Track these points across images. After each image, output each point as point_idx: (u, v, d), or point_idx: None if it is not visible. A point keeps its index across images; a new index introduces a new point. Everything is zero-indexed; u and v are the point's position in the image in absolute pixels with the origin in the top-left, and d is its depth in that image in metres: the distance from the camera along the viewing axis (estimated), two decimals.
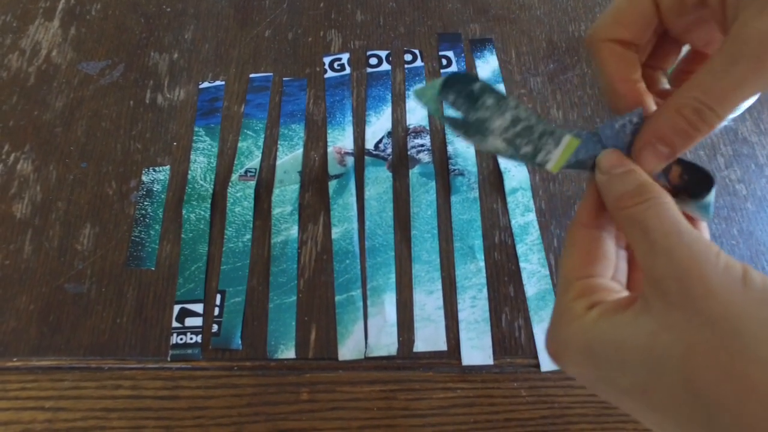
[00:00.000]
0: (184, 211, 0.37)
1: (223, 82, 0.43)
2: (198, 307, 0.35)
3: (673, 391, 0.16)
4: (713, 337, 0.15)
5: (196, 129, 0.41)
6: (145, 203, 0.38)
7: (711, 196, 0.20)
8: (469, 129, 0.24)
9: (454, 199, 0.38)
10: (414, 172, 0.39)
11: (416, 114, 0.41)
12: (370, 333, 0.34)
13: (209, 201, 0.38)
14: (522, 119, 0.23)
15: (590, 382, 0.19)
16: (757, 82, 0.18)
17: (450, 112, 0.24)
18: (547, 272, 0.36)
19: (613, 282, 0.21)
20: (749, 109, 0.41)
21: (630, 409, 0.18)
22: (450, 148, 0.40)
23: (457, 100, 0.23)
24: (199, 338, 0.34)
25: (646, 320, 0.17)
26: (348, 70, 0.44)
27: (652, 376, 0.16)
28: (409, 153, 0.40)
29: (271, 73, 0.43)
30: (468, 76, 0.23)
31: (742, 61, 0.18)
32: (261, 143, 0.40)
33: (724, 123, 0.41)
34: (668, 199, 0.19)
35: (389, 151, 0.40)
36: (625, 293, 0.20)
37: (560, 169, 0.23)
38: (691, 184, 0.21)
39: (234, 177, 0.39)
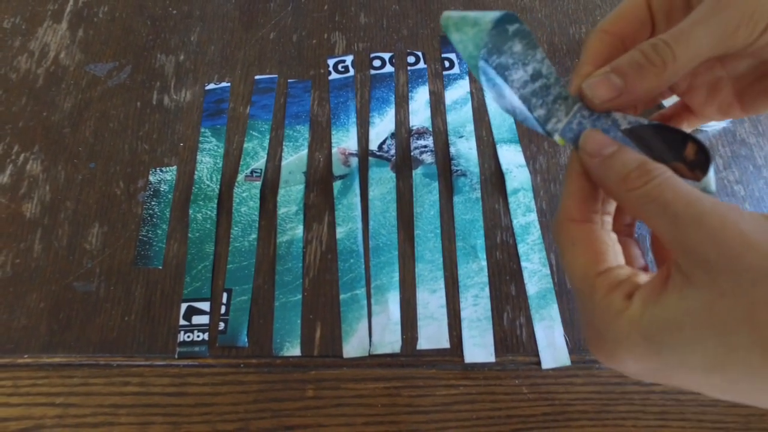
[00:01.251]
0: (190, 211, 0.38)
1: (228, 84, 0.44)
2: (205, 306, 0.35)
3: (750, 355, 0.15)
4: (749, 297, 0.15)
5: (202, 130, 0.42)
6: (153, 203, 0.39)
7: (713, 171, 0.20)
8: (489, 74, 0.22)
9: (456, 199, 0.38)
10: (417, 172, 0.39)
11: (419, 115, 0.42)
12: (374, 331, 0.34)
13: (215, 201, 0.38)
14: (543, 75, 0.22)
15: (652, 372, 0.18)
16: (713, 22, 0.18)
17: (474, 49, 0.22)
18: (548, 271, 0.36)
19: (629, 267, 0.20)
20: None
21: (703, 387, 0.17)
22: (452, 149, 0.40)
23: (485, 35, 0.21)
24: (205, 336, 0.34)
25: (696, 293, 0.16)
26: (352, 72, 0.44)
27: (722, 346, 0.16)
28: (412, 154, 0.40)
29: (276, 75, 0.44)
30: (512, 16, 0.22)
31: (701, 7, 0.19)
32: (266, 144, 0.41)
33: (722, 124, 0.41)
34: (671, 171, 0.18)
35: (393, 152, 0.40)
36: (648, 274, 0.19)
37: (564, 143, 0.22)
38: (703, 159, 0.20)
39: (240, 177, 0.39)
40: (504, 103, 0.23)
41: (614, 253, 0.20)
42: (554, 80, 0.22)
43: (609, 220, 0.22)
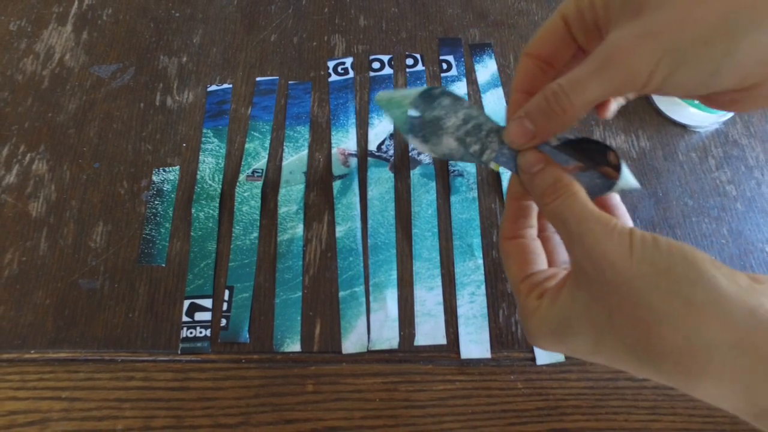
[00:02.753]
0: (193, 210, 0.39)
1: (230, 85, 0.44)
2: (207, 302, 0.36)
3: (614, 347, 0.20)
4: (620, 298, 0.19)
5: (204, 131, 0.42)
6: (156, 202, 0.39)
7: (626, 170, 0.24)
8: (426, 129, 0.26)
9: (453, 199, 0.39)
10: (415, 172, 0.40)
11: None
12: (372, 327, 0.35)
13: (218, 200, 0.39)
14: (473, 117, 0.26)
15: (565, 352, 0.24)
16: (602, 77, 0.21)
17: (410, 114, 0.26)
18: None
19: (550, 269, 0.25)
20: (740, 113, 0.42)
21: (595, 363, 0.22)
22: None
23: (418, 102, 0.26)
24: (208, 332, 0.35)
25: (580, 295, 0.21)
26: (351, 74, 0.45)
27: (596, 339, 0.21)
28: (410, 154, 0.41)
29: (277, 77, 0.45)
30: (434, 87, 0.26)
31: (593, 59, 0.21)
32: (267, 144, 0.42)
33: (715, 125, 0.42)
34: (577, 189, 0.22)
35: (391, 152, 0.41)
36: (561, 273, 0.24)
37: (499, 168, 0.26)
38: (621, 163, 0.24)
39: (241, 177, 0.40)
40: (440, 150, 0.27)
41: (538, 259, 0.25)
42: (484, 119, 0.26)
43: (534, 231, 0.26)
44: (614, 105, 0.27)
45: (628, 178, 0.24)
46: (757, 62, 0.20)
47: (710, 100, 0.23)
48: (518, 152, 0.25)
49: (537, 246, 0.26)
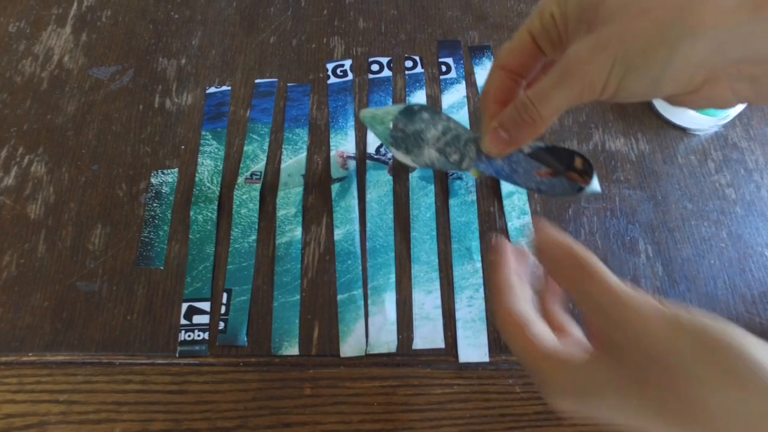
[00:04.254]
0: (191, 213, 0.39)
1: (229, 88, 0.44)
2: (205, 305, 0.36)
3: (640, 408, 0.20)
4: (655, 371, 0.19)
5: (203, 133, 0.42)
6: (154, 205, 0.39)
7: (595, 176, 0.26)
8: (408, 142, 0.29)
9: (452, 202, 0.39)
10: (414, 175, 0.40)
11: None
12: (370, 331, 0.35)
13: (216, 203, 0.39)
14: (451, 129, 0.29)
15: (583, 414, 0.22)
16: (564, 87, 0.23)
17: (392, 129, 0.29)
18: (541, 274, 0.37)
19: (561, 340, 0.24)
20: (739, 116, 0.42)
21: (617, 423, 0.21)
22: None
23: (399, 118, 0.29)
24: (206, 335, 0.35)
25: (608, 360, 0.20)
26: (350, 76, 0.45)
27: (623, 402, 0.20)
28: None
29: (276, 79, 0.45)
30: (411, 104, 0.29)
31: (555, 72, 0.24)
32: (266, 147, 0.42)
33: (714, 128, 0.42)
34: (601, 268, 0.21)
35: (390, 155, 0.41)
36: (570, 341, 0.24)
37: (478, 175, 0.28)
38: (588, 168, 0.26)
39: (240, 180, 0.40)
40: (422, 161, 0.29)
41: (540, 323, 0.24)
42: (462, 130, 0.29)
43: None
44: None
45: (595, 183, 0.26)
46: (695, 67, 0.21)
47: (669, 100, 0.25)
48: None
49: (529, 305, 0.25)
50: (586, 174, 0.26)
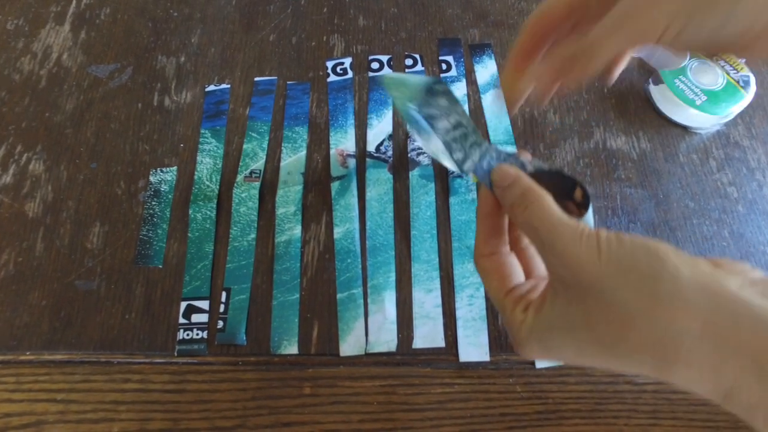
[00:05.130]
0: (190, 211, 0.39)
1: (228, 86, 0.44)
2: (204, 304, 0.36)
3: (592, 345, 0.21)
4: (594, 300, 0.21)
5: (202, 131, 0.42)
6: (153, 203, 0.39)
7: (590, 211, 0.26)
8: (421, 123, 0.28)
9: (452, 200, 0.39)
10: (414, 174, 0.40)
11: None
12: (370, 330, 0.35)
13: (215, 201, 0.39)
14: (462, 125, 0.27)
15: (552, 359, 0.25)
16: (623, 31, 0.24)
17: (409, 105, 0.28)
18: None
19: (529, 281, 0.26)
20: (741, 114, 0.42)
21: (580, 364, 0.24)
22: None
23: (417, 93, 0.27)
24: (204, 334, 0.35)
25: (559, 302, 0.22)
26: (350, 74, 0.45)
27: (577, 341, 0.22)
28: (409, 155, 0.41)
29: (276, 77, 0.45)
30: (439, 81, 0.27)
31: (615, 14, 0.24)
32: (265, 145, 0.41)
33: (716, 126, 0.42)
34: (545, 198, 0.23)
35: (390, 153, 0.41)
36: (542, 285, 0.25)
37: (476, 180, 0.27)
38: (586, 201, 0.26)
39: (239, 178, 0.40)
40: (430, 147, 0.28)
41: (516, 272, 0.26)
42: (471, 130, 0.27)
43: (507, 247, 0.27)
44: (617, 71, 0.30)
45: (589, 217, 0.25)
46: (759, 12, 0.22)
47: (725, 50, 0.25)
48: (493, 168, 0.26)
49: (513, 260, 0.27)
50: (583, 207, 0.26)
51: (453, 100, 0.28)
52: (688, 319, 0.19)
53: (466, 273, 0.37)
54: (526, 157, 0.27)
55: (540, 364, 0.34)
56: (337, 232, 0.38)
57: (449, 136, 0.27)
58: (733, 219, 0.39)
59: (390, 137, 0.42)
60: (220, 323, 0.35)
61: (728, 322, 0.18)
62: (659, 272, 0.19)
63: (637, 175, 0.40)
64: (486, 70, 0.45)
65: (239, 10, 0.48)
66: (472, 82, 0.44)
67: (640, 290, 0.19)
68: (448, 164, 0.28)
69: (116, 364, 0.34)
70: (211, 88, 0.44)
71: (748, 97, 0.41)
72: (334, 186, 0.39)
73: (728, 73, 0.42)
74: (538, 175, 0.26)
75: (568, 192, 0.26)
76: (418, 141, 0.28)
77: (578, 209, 0.26)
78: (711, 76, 0.41)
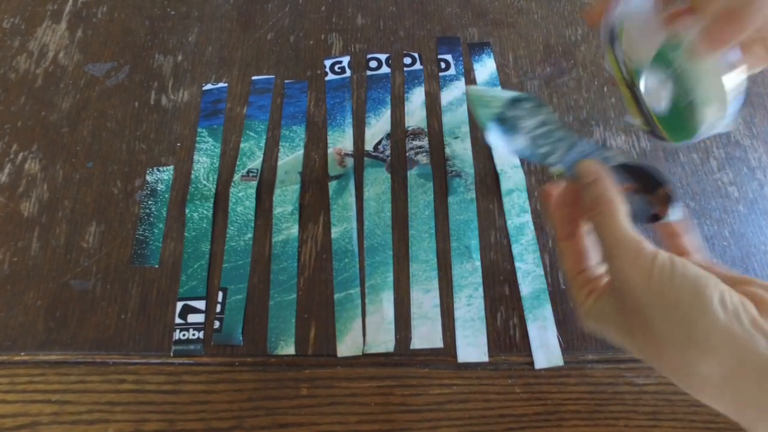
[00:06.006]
0: (187, 210, 0.38)
1: (226, 84, 0.44)
2: (200, 304, 0.35)
3: (635, 348, 0.24)
4: (637, 318, 0.22)
5: (199, 130, 0.42)
6: (150, 202, 0.39)
7: (677, 208, 0.26)
8: (505, 126, 0.29)
9: (451, 199, 0.39)
10: (412, 173, 0.40)
11: (415, 116, 0.42)
12: (368, 330, 0.35)
13: (212, 200, 0.39)
14: (548, 123, 0.29)
15: (607, 339, 0.26)
16: None
17: (493, 111, 0.29)
18: (542, 272, 0.36)
19: (601, 267, 0.28)
20: (742, 113, 0.42)
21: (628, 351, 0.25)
22: (448, 150, 0.41)
23: (504, 102, 0.29)
24: (201, 334, 0.35)
25: (612, 304, 0.25)
26: (348, 73, 0.44)
27: (624, 340, 0.24)
28: (407, 154, 0.40)
29: (273, 76, 0.44)
30: (520, 96, 0.29)
31: None
32: (263, 144, 0.41)
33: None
34: (616, 209, 0.24)
35: (388, 152, 0.41)
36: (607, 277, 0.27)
37: (560, 173, 0.28)
38: (670, 201, 0.26)
39: (236, 177, 0.40)
40: (511, 146, 0.29)
41: (589, 256, 0.28)
42: (557, 126, 0.29)
43: (584, 231, 0.29)
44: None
45: (676, 214, 0.26)
46: None
47: None
48: (578, 162, 0.27)
49: (588, 244, 0.28)
50: (667, 205, 0.26)
51: (538, 104, 0.29)
52: (714, 365, 0.20)
53: (464, 273, 0.36)
54: (610, 153, 0.27)
55: (539, 364, 0.34)
56: (335, 231, 0.38)
57: (535, 133, 0.29)
58: (734, 219, 0.38)
59: (388, 136, 0.41)
60: (217, 323, 0.35)
61: (752, 379, 0.19)
62: (696, 316, 0.20)
63: None
64: (485, 68, 0.45)
65: (237, 8, 0.48)
66: (471, 80, 0.44)
67: (678, 326, 0.21)
68: (533, 159, 0.29)
69: (112, 365, 0.34)
70: (209, 86, 0.44)
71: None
72: (332, 185, 0.39)
73: None
74: (627, 168, 0.26)
75: (654, 188, 0.27)
76: (498, 145, 0.29)
77: (664, 204, 0.26)
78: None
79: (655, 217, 0.27)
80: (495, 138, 0.29)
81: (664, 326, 0.21)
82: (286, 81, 0.44)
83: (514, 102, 0.29)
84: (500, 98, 0.29)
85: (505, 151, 0.30)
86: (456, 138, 0.41)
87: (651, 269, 0.21)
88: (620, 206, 0.24)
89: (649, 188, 0.27)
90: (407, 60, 0.45)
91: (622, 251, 0.23)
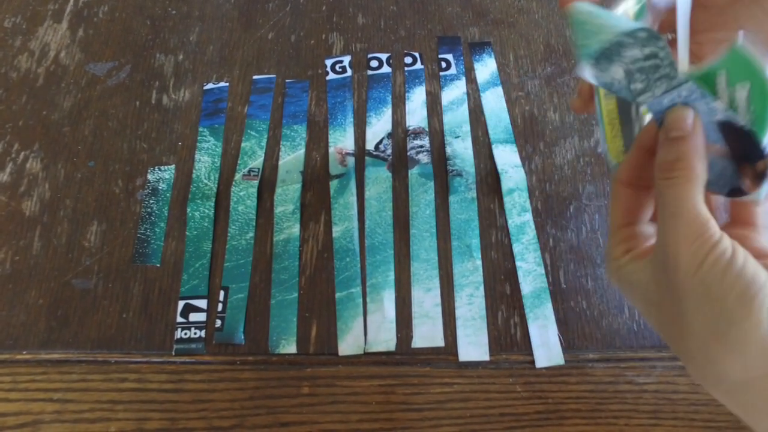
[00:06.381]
0: (188, 209, 0.38)
1: (227, 84, 0.44)
2: (202, 303, 0.35)
3: (654, 321, 0.23)
4: (672, 297, 0.21)
5: (200, 129, 0.42)
6: (151, 201, 0.39)
7: (765, 189, 0.22)
8: (603, 52, 0.24)
9: (452, 199, 0.39)
10: (413, 172, 0.40)
11: (416, 116, 0.42)
12: (369, 329, 0.35)
13: (213, 199, 0.39)
14: (657, 57, 0.23)
15: (627, 299, 0.26)
16: None
17: (589, 48, 0.24)
18: (543, 271, 0.36)
19: (650, 227, 0.25)
20: None
21: (646, 318, 0.24)
22: (448, 149, 0.41)
23: (615, 36, 0.23)
24: (202, 333, 0.35)
25: (648, 273, 0.22)
26: (349, 73, 0.44)
27: (646, 309, 0.23)
28: (408, 154, 0.41)
29: (274, 75, 0.44)
30: (641, 29, 0.23)
31: None
32: (264, 143, 0.41)
33: None
34: (694, 179, 0.21)
35: (389, 151, 0.41)
36: (652, 240, 0.25)
37: (646, 113, 0.25)
38: (762, 177, 0.22)
39: (237, 176, 0.40)
40: (603, 77, 0.24)
41: (643, 212, 0.25)
42: (667, 63, 0.23)
43: (646, 184, 0.25)
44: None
45: (761, 193, 0.22)
46: None
47: None
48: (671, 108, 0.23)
49: (647, 199, 0.25)
50: (760, 179, 0.22)
51: (654, 35, 0.23)
52: (739, 368, 0.19)
53: (465, 272, 0.36)
54: (720, 105, 0.23)
55: (540, 363, 0.34)
56: (336, 230, 0.38)
57: (635, 66, 0.24)
58: None
59: (389, 136, 0.41)
60: (218, 322, 0.35)
61: None
62: (739, 318, 0.19)
63: None
64: (486, 68, 0.45)
65: (238, 8, 0.48)
66: (471, 80, 0.44)
67: (713, 321, 0.20)
68: (621, 94, 0.24)
69: (113, 364, 0.34)
70: (210, 86, 0.44)
71: None
72: (333, 184, 0.39)
73: None
74: (726, 127, 0.22)
75: (750, 156, 0.22)
76: (588, 74, 0.24)
77: (754, 179, 0.22)
78: None
79: (739, 192, 0.23)
80: (587, 70, 0.24)
81: (697, 316, 0.20)
82: (287, 80, 0.44)
83: (628, 35, 0.24)
84: (610, 28, 0.24)
85: (594, 82, 0.25)
86: (457, 137, 0.41)
87: (706, 256, 0.20)
88: (700, 176, 0.21)
89: (744, 157, 0.23)
90: (408, 59, 0.45)
91: (682, 227, 0.20)
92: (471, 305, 0.35)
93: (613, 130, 0.28)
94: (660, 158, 0.22)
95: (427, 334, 0.35)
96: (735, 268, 0.19)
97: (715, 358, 0.20)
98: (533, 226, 0.38)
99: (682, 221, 0.20)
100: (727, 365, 0.20)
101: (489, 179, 0.40)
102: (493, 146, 0.41)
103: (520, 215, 0.38)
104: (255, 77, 0.44)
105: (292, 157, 0.41)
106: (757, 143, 0.22)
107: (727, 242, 0.20)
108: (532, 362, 0.34)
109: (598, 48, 0.24)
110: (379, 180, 0.39)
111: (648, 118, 0.26)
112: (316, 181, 0.40)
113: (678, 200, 0.21)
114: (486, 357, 0.34)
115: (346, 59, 0.45)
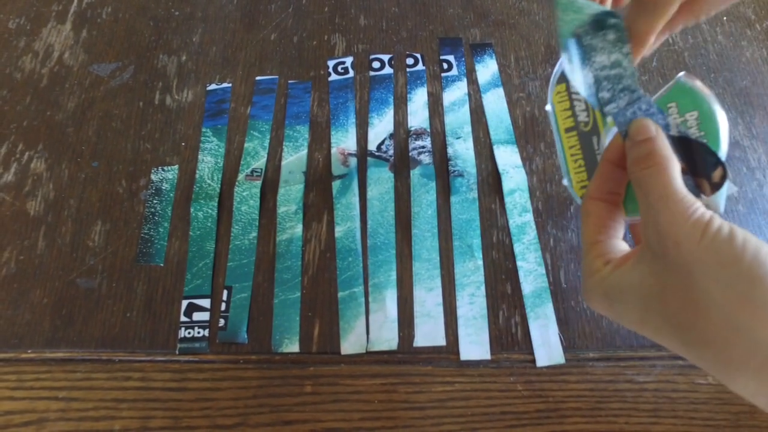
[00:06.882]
0: (192, 209, 0.39)
1: (230, 85, 0.44)
2: (205, 302, 0.36)
3: (659, 320, 0.21)
4: (677, 278, 0.20)
5: (203, 130, 0.42)
6: (155, 201, 0.39)
7: (724, 191, 0.23)
8: (582, 48, 0.26)
9: (453, 199, 0.39)
10: (415, 172, 0.40)
11: (417, 116, 0.43)
12: (371, 328, 0.35)
13: (216, 200, 0.39)
14: (621, 66, 0.26)
15: (613, 318, 0.24)
16: None
17: (573, 30, 0.26)
18: (543, 271, 0.37)
19: (622, 242, 0.25)
20: (742, 114, 0.42)
21: (641, 333, 0.23)
22: (450, 150, 0.41)
23: (591, 23, 0.26)
24: (206, 332, 0.35)
25: (640, 268, 0.22)
26: (351, 74, 0.45)
27: (644, 310, 0.22)
28: (410, 154, 0.41)
29: (277, 76, 0.45)
30: (615, 14, 0.26)
31: None
32: (267, 144, 0.41)
33: None
34: (671, 166, 0.22)
35: (391, 152, 0.41)
36: (628, 251, 0.24)
37: (612, 125, 0.26)
38: (720, 184, 0.24)
39: (240, 177, 0.40)
40: (576, 77, 0.26)
41: (617, 227, 0.25)
42: (629, 74, 0.26)
43: (620, 199, 0.26)
44: (653, 40, 0.27)
45: (719, 198, 0.23)
46: None
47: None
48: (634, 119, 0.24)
49: (618, 214, 0.25)
50: (716, 188, 0.24)
51: (622, 39, 0.26)
52: None
53: (467, 271, 0.37)
54: (674, 119, 0.25)
55: (541, 362, 0.34)
56: (338, 230, 0.38)
57: (603, 73, 0.26)
58: (734, 218, 0.39)
59: (391, 136, 0.42)
60: (222, 321, 0.35)
61: None
62: (760, 279, 0.18)
63: None
64: (487, 69, 0.45)
65: (240, 9, 0.48)
66: (473, 81, 0.44)
67: (731, 287, 0.19)
68: (591, 101, 0.26)
69: (117, 362, 0.34)
70: (213, 87, 0.44)
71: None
72: (335, 185, 0.40)
73: None
74: (681, 141, 0.24)
75: (707, 169, 0.24)
76: (567, 69, 0.26)
77: (711, 191, 0.24)
78: None
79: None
80: (568, 61, 0.26)
81: (711, 285, 0.19)
82: (289, 81, 0.44)
83: (603, 20, 0.26)
84: (591, 7, 0.26)
85: (572, 80, 0.26)
86: (458, 138, 0.41)
87: (706, 226, 0.19)
88: (675, 163, 0.22)
89: (701, 168, 0.24)
90: (410, 60, 0.45)
91: (674, 205, 0.20)
92: (472, 305, 0.36)
93: (575, 164, 0.30)
94: (632, 157, 0.23)
95: (429, 333, 0.35)
96: (740, 234, 0.19)
97: (742, 325, 0.18)
98: (534, 227, 0.38)
99: (672, 200, 0.21)
100: (758, 329, 0.18)
101: (490, 180, 0.40)
102: (494, 147, 0.41)
103: (521, 215, 0.38)
104: (258, 78, 0.45)
105: (294, 157, 0.41)
106: (713, 153, 0.24)
107: (721, 220, 0.20)
108: (533, 361, 0.34)
109: (581, 24, 0.26)
110: (381, 180, 0.40)
111: (610, 137, 0.27)
112: (319, 181, 0.40)
113: (662, 184, 0.21)
114: (487, 356, 0.34)
115: (348, 60, 0.45)
